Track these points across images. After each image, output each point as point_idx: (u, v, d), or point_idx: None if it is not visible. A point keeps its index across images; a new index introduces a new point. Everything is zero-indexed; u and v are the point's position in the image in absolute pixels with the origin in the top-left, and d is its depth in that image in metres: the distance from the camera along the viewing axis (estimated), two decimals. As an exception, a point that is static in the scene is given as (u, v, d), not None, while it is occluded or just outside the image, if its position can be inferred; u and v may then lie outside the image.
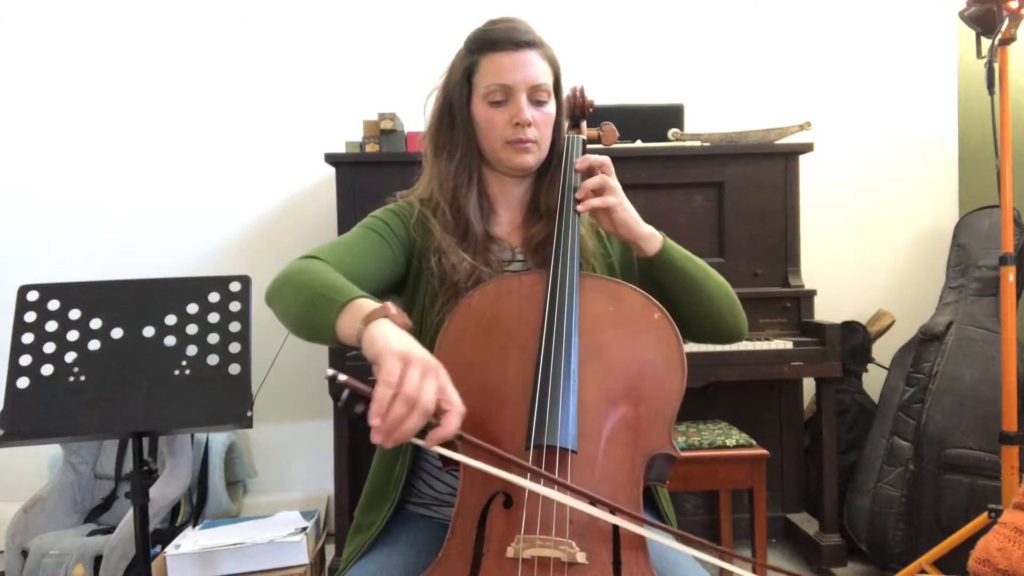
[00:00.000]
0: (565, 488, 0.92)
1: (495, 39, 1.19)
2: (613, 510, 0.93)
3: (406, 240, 1.22)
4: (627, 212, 1.17)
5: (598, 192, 1.16)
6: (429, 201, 1.25)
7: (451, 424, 0.85)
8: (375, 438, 0.83)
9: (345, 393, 0.84)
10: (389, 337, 0.87)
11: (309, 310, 1.00)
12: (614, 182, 1.18)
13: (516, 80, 1.17)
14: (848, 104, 2.88)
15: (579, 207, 1.17)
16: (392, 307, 0.93)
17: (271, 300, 1.10)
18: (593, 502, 0.93)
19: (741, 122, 2.59)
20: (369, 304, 0.94)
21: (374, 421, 0.81)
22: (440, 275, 1.18)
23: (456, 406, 0.86)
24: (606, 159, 1.19)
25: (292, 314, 1.05)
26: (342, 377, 0.84)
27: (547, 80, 1.20)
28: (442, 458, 0.93)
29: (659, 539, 0.96)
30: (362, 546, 1.12)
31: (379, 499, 1.17)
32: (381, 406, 0.81)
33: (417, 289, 1.23)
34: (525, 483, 0.92)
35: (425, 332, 1.19)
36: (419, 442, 0.85)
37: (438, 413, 0.85)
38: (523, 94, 1.18)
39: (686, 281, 1.20)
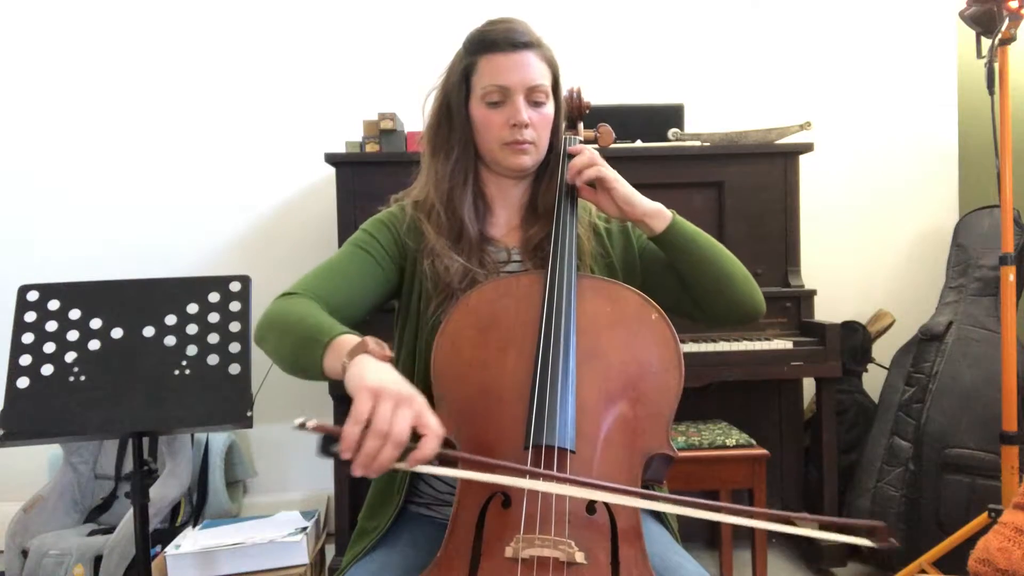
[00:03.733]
0: (562, 480, 0.92)
1: (493, 40, 1.18)
2: (611, 490, 0.93)
3: (396, 250, 1.22)
4: (625, 188, 1.18)
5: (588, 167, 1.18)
6: (424, 203, 1.25)
7: (428, 447, 0.86)
8: (355, 471, 0.85)
9: (317, 438, 0.85)
10: (364, 373, 0.89)
11: (296, 352, 1.03)
12: (604, 163, 1.19)
13: (513, 81, 1.17)
14: (848, 104, 2.88)
15: (574, 181, 1.19)
16: (371, 341, 0.95)
17: (260, 342, 1.12)
18: (589, 487, 0.93)
19: (741, 122, 2.59)
20: (350, 340, 0.96)
21: (346, 456, 0.84)
22: (433, 277, 1.18)
23: (433, 430, 0.87)
24: (592, 153, 1.20)
25: (282, 357, 1.07)
26: (310, 424, 0.85)
27: (545, 81, 1.20)
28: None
29: (663, 508, 0.95)
30: (364, 549, 1.13)
31: (383, 504, 1.18)
32: (351, 442, 0.83)
33: (412, 292, 1.23)
34: (523, 483, 0.92)
35: (420, 334, 1.19)
36: (401, 466, 0.86)
37: (417, 437, 0.86)
38: (520, 95, 1.18)
39: (698, 258, 1.19)
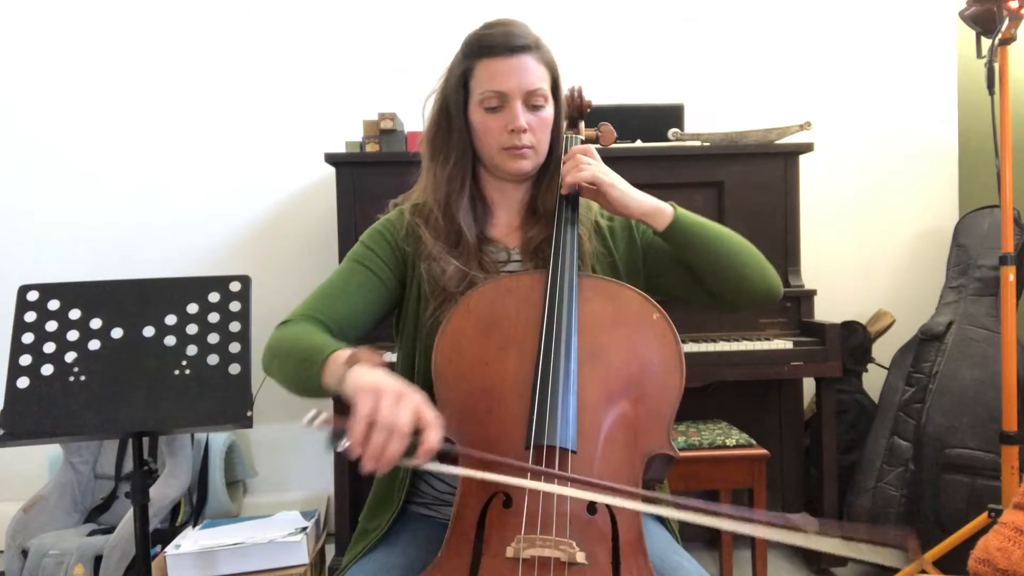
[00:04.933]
0: (564, 480, 0.93)
1: (490, 44, 1.17)
2: (613, 491, 0.93)
3: (395, 259, 1.23)
4: (620, 191, 1.17)
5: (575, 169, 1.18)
6: (423, 207, 1.25)
7: (432, 438, 0.88)
8: (365, 467, 0.87)
9: (327, 431, 0.88)
10: (361, 377, 0.92)
11: (300, 376, 1.06)
12: (588, 160, 1.18)
13: (511, 86, 1.16)
14: (848, 104, 2.88)
15: (564, 192, 1.19)
16: (363, 351, 0.98)
17: (267, 372, 1.15)
18: (592, 487, 0.93)
19: (741, 122, 2.59)
20: (343, 355, 0.99)
21: (355, 450, 0.86)
22: (430, 281, 1.18)
23: (432, 421, 0.89)
24: (584, 147, 1.21)
25: (288, 383, 1.11)
26: (319, 419, 0.88)
27: (543, 84, 1.19)
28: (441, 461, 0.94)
29: (663, 512, 0.95)
30: (365, 549, 1.13)
31: (384, 504, 1.18)
32: (359, 436, 0.86)
33: (410, 296, 1.23)
34: (524, 483, 0.92)
35: (419, 337, 1.19)
36: (411, 462, 0.88)
37: (418, 432, 0.88)
38: (518, 100, 1.17)
39: (707, 249, 1.19)
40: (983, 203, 2.54)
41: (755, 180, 2.45)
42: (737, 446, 2.04)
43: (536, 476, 0.93)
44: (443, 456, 0.92)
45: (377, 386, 0.89)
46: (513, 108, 1.17)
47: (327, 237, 2.63)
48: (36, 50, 2.76)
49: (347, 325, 1.17)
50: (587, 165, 1.18)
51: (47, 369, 1.49)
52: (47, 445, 2.39)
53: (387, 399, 0.87)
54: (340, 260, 2.45)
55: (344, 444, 0.86)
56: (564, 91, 1.27)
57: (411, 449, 0.87)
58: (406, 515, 1.19)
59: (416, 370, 1.19)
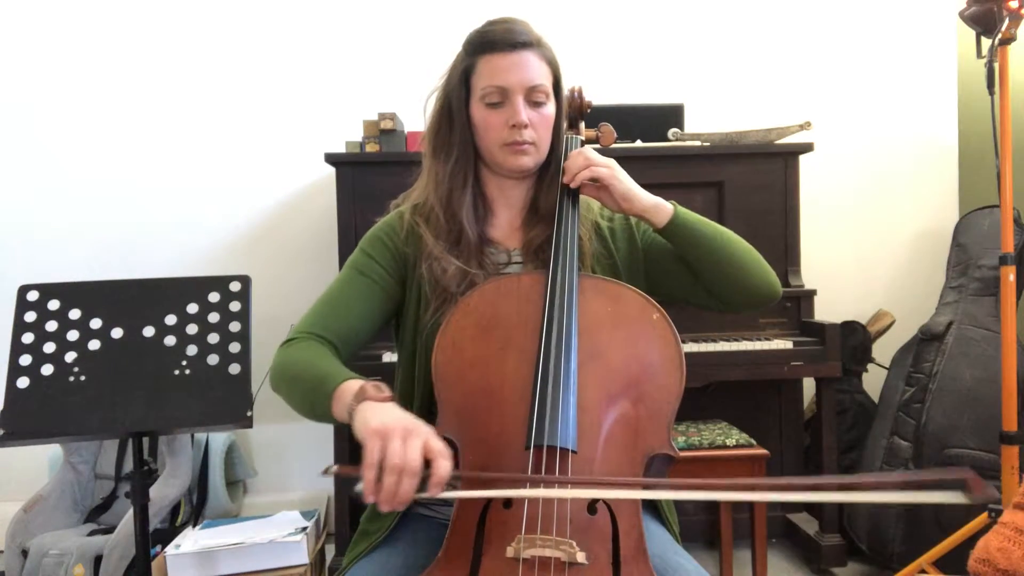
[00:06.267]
0: (564, 484, 0.93)
1: (492, 40, 1.18)
2: (614, 485, 0.94)
3: (396, 264, 1.23)
4: (624, 185, 1.18)
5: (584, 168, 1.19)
6: (423, 206, 1.25)
7: (442, 469, 0.88)
8: (382, 508, 0.89)
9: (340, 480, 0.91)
10: (368, 420, 0.92)
11: (308, 401, 1.07)
12: (599, 157, 1.19)
13: (512, 82, 1.16)
14: (848, 104, 2.88)
15: (571, 184, 1.20)
16: (369, 387, 0.98)
17: (276, 390, 1.15)
18: (593, 485, 0.94)
19: (741, 122, 2.59)
20: (351, 388, 0.99)
21: (368, 499, 0.88)
22: (431, 281, 1.18)
23: (441, 451, 0.90)
24: (587, 155, 1.20)
25: (298, 408, 1.11)
26: (333, 469, 0.94)
27: (545, 81, 1.19)
28: None
29: (665, 496, 0.95)
30: (365, 550, 1.13)
31: None
32: (370, 486, 0.88)
33: (411, 297, 1.22)
34: (527, 492, 0.92)
35: (419, 338, 1.19)
36: (425, 495, 0.89)
37: (428, 463, 0.89)
38: (520, 96, 1.17)
39: (706, 247, 1.19)
40: (983, 203, 2.54)
41: (755, 180, 2.45)
42: (737, 446, 2.04)
43: (536, 484, 0.93)
44: (456, 482, 0.93)
45: (384, 429, 0.89)
46: (514, 103, 1.17)
47: (327, 237, 2.63)
48: (36, 50, 2.75)
49: (350, 338, 1.18)
50: (596, 161, 1.19)
51: (47, 369, 1.49)
52: (47, 445, 2.39)
53: (395, 441, 0.88)
54: (340, 260, 2.47)
55: (359, 489, 0.88)
56: (565, 90, 1.27)
57: (423, 482, 0.89)
58: (407, 515, 1.19)
59: (416, 371, 1.19)
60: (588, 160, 1.19)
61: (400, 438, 0.88)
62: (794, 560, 2.47)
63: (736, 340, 2.26)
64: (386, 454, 0.87)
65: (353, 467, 0.89)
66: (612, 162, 1.20)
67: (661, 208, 1.19)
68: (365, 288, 1.20)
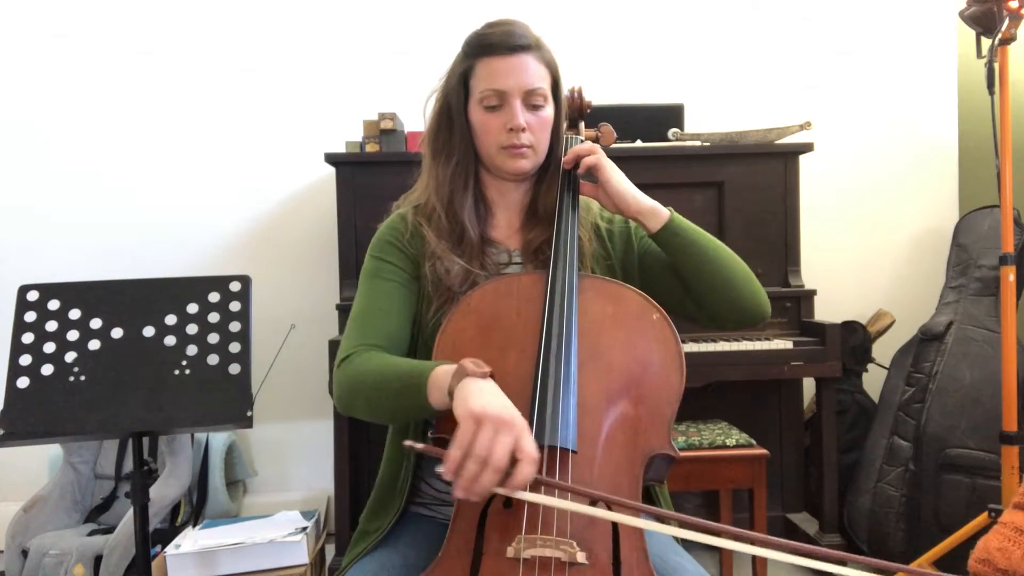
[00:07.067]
0: (567, 491, 0.92)
1: (490, 43, 1.18)
2: (617, 508, 0.93)
3: (410, 264, 1.22)
4: (619, 184, 1.19)
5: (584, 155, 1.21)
6: (425, 207, 1.25)
7: (524, 473, 0.88)
8: (456, 494, 0.88)
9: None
10: (467, 399, 0.91)
11: (397, 404, 1.05)
12: (602, 155, 1.21)
13: (510, 85, 1.17)
14: (848, 104, 2.88)
15: (569, 164, 1.22)
16: (468, 363, 0.95)
17: (349, 410, 1.13)
18: (596, 502, 0.93)
19: (741, 122, 2.59)
20: (446, 370, 0.97)
21: (447, 477, 0.88)
22: (434, 280, 1.18)
23: (528, 454, 0.88)
24: (592, 146, 1.22)
25: (380, 415, 1.10)
26: (418, 446, 0.91)
27: (543, 84, 1.19)
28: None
29: (662, 529, 0.95)
30: (365, 550, 1.13)
31: (385, 506, 1.18)
32: (452, 466, 0.87)
33: (414, 295, 1.22)
34: (527, 496, 0.91)
35: (420, 337, 1.19)
36: (500, 491, 0.88)
37: (514, 462, 0.88)
38: (518, 99, 1.17)
39: (698, 258, 1.19)
40: (983, 203, 2.54)
41: (755, 180, 2.45)
42: (737, 446, 2.04)
43: (536, 487, 0.92)
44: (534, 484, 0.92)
45: (481, 414, 0.87)
46: (512, 107, 1.17)
47: (327, 237, 2.63)
48: (36, 50, 2.75)
49: (398, 339, 1.17)
50: (601, 155, 1.20)
51: (47, 369, 1.49)
52: (47, 445, 2.39)
53: (486, 431, 0.87)
54: (340, 260, 2.47)
55: (440, 469, 0.87)
56: (564, 91, 1.27)
57: (505, 477, 0.87)
58: (407, 515, 1.19)
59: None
60: (595, 148, 1.21)
61: (493, 429, 0.87)
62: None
63: (736, 340, 2.26)
64: (474, 441, 0.86)
65: (439, 450, 0.88)
66: (611, 163, 1.20)
67: (657, 212, 1.19)
68: (391, 291, 1.19)
